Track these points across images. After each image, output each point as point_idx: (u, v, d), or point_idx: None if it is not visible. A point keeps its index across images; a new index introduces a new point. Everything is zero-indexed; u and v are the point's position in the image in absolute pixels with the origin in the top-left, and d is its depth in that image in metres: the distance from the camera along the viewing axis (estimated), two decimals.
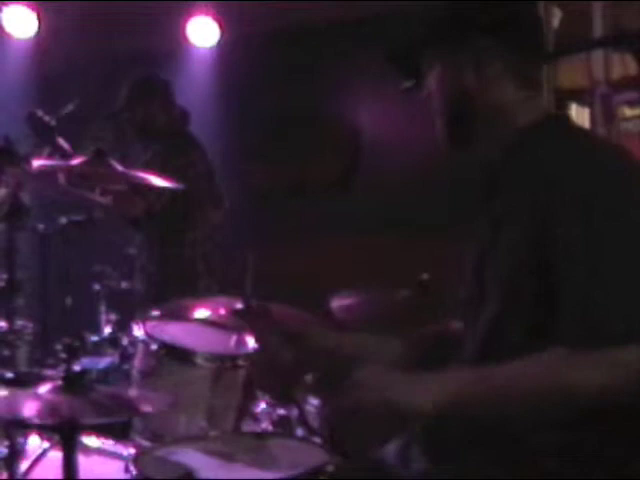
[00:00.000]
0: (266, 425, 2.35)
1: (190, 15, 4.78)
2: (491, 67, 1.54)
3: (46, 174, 2.87)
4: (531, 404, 1.34)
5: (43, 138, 3.03)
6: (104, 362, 2.72)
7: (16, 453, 2.20)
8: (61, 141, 3.08)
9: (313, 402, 2.35)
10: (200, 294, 3.38)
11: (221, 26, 4.82)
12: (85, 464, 1.83)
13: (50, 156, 3.04)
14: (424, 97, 1.63)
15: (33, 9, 4.66)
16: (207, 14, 4.77)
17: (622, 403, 1.29)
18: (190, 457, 1.77)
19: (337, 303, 3.07)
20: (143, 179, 3.03)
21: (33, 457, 2.20)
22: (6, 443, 2.19)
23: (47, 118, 3.02)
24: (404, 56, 1.69)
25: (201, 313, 2.57)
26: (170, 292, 3.22)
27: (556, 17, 3.65)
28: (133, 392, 2.31)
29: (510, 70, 1.55)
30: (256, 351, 2.40)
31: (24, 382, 2.40)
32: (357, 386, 1.42)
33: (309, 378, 1.95)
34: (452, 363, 1.59)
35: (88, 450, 2.16)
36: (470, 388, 1.38)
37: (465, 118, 1.59)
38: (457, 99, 1.58)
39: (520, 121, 1.55)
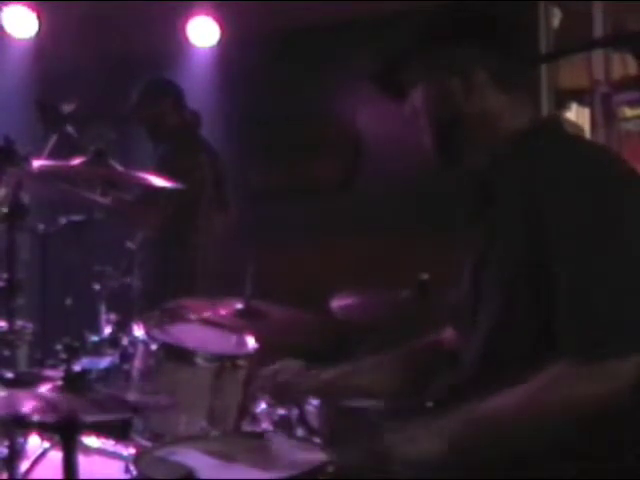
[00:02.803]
0: (266, 425, 2.34)
1: (190, 15, 4.78)
2: (477, 76, 1.54)
3: (46, 174, 2.87)
4: (539, 428, 1.34)
5: (51, 126, 3.03)
6: (104, 362, 2.70)
7: (16, 453, 2.20)
8: (70, 129, 3.08)
9: (313, 402, 2.35)
10: (200, 294, 3.38)
11: (221, 26, 4.82)
12: (85, 464, 1.82)
13: (56, 149, 3.04)
14: (409, 113, 1.62)
15: (33, 9, 4.66)
16: (207, 14, 4.78)
17: (623, 410, 1.29)
18: (190, 457, 1.77)
19: (337, 303, 3.07)
20: (145, 180, 3.03)
21: (33, 457, 2.20)
22: (6, 443, 2.19)
23: (58, 106, 3.03)
24: (386, 74, 1.68)
25: (201, 313, 2.57)
26: (167, 292, 3.22)
27: (556, 17, 3.65)
28: (133, 393, 2.31)
29: (496, 77, 1.54)
30: (256, 351, 2.40)
31: (24, 382, 2.40)
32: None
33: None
34: (449, 375, 1.60)
35: (88, 450, 2.16)
36: (475, 426, 1.37)
37: (453, 129, 1.58)
38: (444, 111, 1.57)
39: (510, 126, 1.55)
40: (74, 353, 1.93)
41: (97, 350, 2.89)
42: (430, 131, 1.60)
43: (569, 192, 1.38)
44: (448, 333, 1.77)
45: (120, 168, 2.95)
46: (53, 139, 3.08)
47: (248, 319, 2.48)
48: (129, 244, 3.58)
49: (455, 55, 1.55)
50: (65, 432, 1.74)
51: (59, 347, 2.26)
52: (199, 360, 2.35)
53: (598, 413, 1.29)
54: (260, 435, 2.01)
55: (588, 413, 1.30)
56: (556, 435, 1.34)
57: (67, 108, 3.08)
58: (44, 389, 1.78)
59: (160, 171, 3.05)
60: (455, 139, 1.59)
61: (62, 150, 3.10)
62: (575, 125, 3.69)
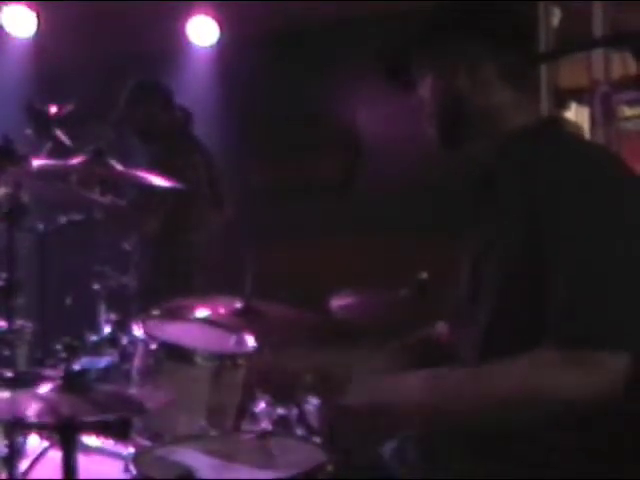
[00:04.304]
0: (266, 425, 2.34)
1: (190, 15, 4.78)
2: (484, 70, 1.54)
3: (46, 174, 2.87)
4: (512, 405, 1.34)
5: (40, 131, 3.03)
6: (104, 362, 2.71)
7: (16, 453, 2.20)
8: (60, 134, 3.08)
9: (313, 402, 2.35)
10: (198, 294, 3.38)
11: (221, 26, 4.82)
12: (85, 464, 1.82)
13: (50, 153, 3.03)
14: (416, 103, 1.63)
15: (33, 9, 4.66)
16: (207, 14, 4.78)
17: (612, 408, 1.29)
18: (190, 457, 1.77)
19: (337, 303, 3.07)
20: (144, 179, 3.03)
21: (33, 457, 2.20)
22: (6, 443, 2.19)
23: (46, 109, 3.02)
24: (395, 62, 1.68)
25: (201, 313, 2.57)
26: (163, 292, 3.21)
27: (556, 17, 3.65)
28: (133, 391, 2.31)
29: (503, 73, 1.55)
30: (256, 351, 2.40)
31: (24, 382, 2.40)
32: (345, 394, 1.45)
33: (309, 377, 1.95)
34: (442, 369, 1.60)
35: (88, 450, 2.16)
36: (449, 387, 1.40)
37: (459, 122, 1.58)
38: (450, 103, 1.57)
39: (513, 123, 1.55)
40: (74, 352, 1.93)
41: (97, 350, 2.89)
42: (434, 122, 1.61)
43: (568, 193, 1.38)
44: (441, 328, 1.77)
45: (119, 167, 2.95)
46: (47, 147, 3.08)
47: (247, 318, 2.48)
48: (125, 244, 3.59)
49: (466, 48, 1.55)
50: (65, 431, 1.74)
51: (59, 347, 2.26)
52: (199, 359, 2.35)
53: (590, 408, 1.29)
54: (260, 435, 2.01)
55: (577, 405, 1.29)
56: (542, 423, 1.34)
57: (56, 111, 3.07)
58: (44, 389, 1.78)
59: (153, 172, 3.05)
60: (459, 131, 1.59)
61: (59, 151, 3.10)
62: (575, 124, 3.69)
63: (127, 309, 3.25)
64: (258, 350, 2.38)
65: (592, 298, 1.31)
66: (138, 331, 2.38)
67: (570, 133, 1.59)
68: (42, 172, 2.78)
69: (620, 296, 1.31)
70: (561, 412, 1.30)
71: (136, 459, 1.78)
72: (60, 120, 3.10)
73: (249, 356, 2.38)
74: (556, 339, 1.31)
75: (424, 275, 2.94)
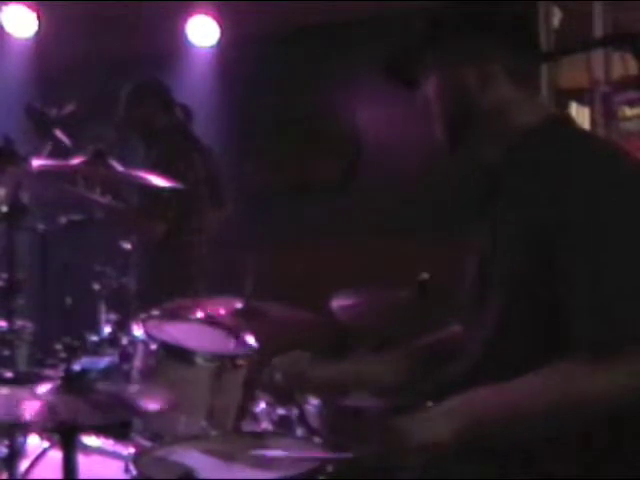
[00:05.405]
0: (266, 425, 2.34)
1: (190, 15, 4.78)
2: (491, 69, 1.54)
3: (46, 174, 2.87)
4: (546, 419, 1.33)
5: (41, 132, 3.03)
6: (104, 362, 2.71)
7: (16, 453, 2.19)
8: (60, 134, 3.08)
9: (313, 402, 2.35)
10: (198, 294, 3.38)
11: (221, 26, 4.82)
12: (85, 464, 1.82)
13: (51, 153, 3.04)
14: (421, 103, 1.63)
15: (33, 9, 4.66)
16: (207, 14, 4.78)
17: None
18: (190, 457, 1.77)
19: (337, 303, 3.07)
20: (143, 179, 3.03)
21: (33, 457, 2.19)
22: (6, 443, 2.19)
23: (46, 110, 3.03)
24: (401, 63, 1.68)
25: (201, 313, 2.57)
26: (163, 292, 3.21)
27: (556, 17, 3.65)
28: (133, 392, 2.31)
29: (509, 71, 1.55)
30: (256, 351, 2.40)
31: (24, 382, 2.40)
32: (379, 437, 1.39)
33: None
34: (451, 371, 1.60)
35: (88, 450, 2.16)
36: (485, 410, 1.36)
37: (466, 121, 1.58)
38: (458, 102, 1.57)
39: (520, 121, 1.55)
40: (74, 353, 1.93)
41: (97, 350, 2.89)
42: (441, 120, 1.60)
43: (573, 192, 1.38)
44: (455, 329, 1.77)
45: (120, 168, 2.95)
46: (47, 149, 3.08)
47: (248, 319, 2.48)
48: (124, 244, 3.58)
49: (472, 47, 1.55)
50: (65, 432, 1.74)
51: (59, 347, 2.26)
52: (199, 360, 2.35)
53: (615, 410, 1.30)
54: (260, 435, 2.01)
55: (604, 410, 1.30)
56: (569, 429, 1.34)
57: (57, 112, 3.07)
58: (44, 389, 1.78)
59: (153, 173, 3.04)
60: (466, 129, 1.59)
61: (59, 152, 3.10)
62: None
63: (127, 309, 3.25)
64: (259, 351, 2.38)
65: (594, 297, 1.31)
66: (138, 331, 2.38)
67: (576, 130, 1.59)
68: (42, 172, 2.78)
69: (635, 293, 1.30)
70: (589, 419, 1.31)
71: (136, 459, 1.78)
72: (60, 120, 3.10)
73: (249, 356, 2.38)
74: (580, 344, 1.31)
75: (424, 276, 2.94)
